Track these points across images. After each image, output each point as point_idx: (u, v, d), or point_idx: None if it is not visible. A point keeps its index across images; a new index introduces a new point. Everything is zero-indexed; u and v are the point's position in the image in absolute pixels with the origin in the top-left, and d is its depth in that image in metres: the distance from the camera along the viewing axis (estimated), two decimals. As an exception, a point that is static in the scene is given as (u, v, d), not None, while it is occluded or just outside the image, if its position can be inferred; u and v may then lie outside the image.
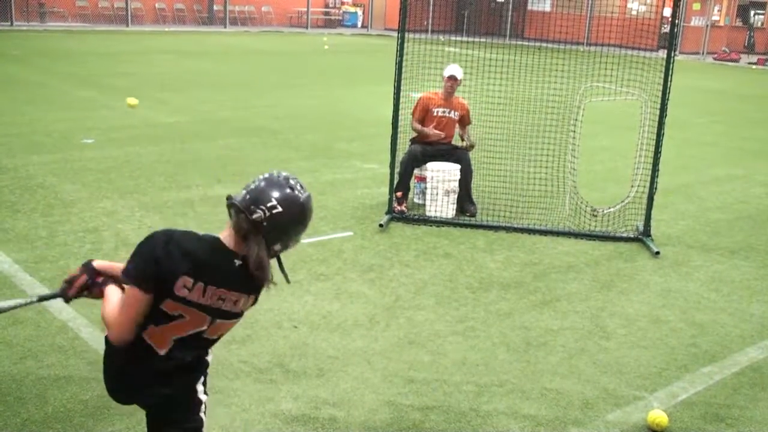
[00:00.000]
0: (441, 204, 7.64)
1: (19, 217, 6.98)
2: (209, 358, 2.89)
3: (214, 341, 2.83)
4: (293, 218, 2.67)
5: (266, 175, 2.71)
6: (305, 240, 6.75)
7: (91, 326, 4.89)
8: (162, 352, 2.70)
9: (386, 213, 7.53)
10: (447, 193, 7.66)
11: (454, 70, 7.87)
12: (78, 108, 12.76)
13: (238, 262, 2.68)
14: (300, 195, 2.68)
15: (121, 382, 2.80)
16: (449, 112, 7.95)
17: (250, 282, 2.72)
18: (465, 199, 7.84)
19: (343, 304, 5.55)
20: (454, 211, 7.76)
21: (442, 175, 7.63)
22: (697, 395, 4.60)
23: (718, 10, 35.50)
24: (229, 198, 2.71)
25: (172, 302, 2.64)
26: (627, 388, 4.63)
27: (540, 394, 4.50)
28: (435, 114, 7.93)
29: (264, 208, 2.62)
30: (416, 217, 7.63)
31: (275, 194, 2.63)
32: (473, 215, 7.76)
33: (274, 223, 2.63)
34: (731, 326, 5.60)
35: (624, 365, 4.91)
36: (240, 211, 2.64)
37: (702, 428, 4.28)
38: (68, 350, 4.60)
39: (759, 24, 37.07)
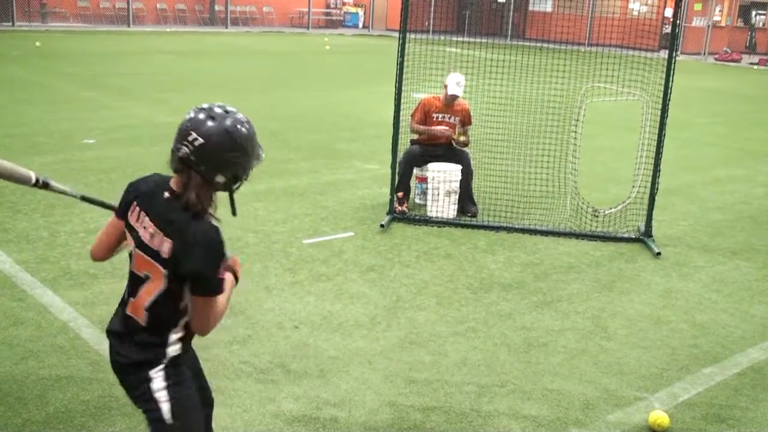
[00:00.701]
0: (442, 204, 7.64)
1: (20, 217, 6.98)
2: (169, 349, 2.74)
3: (140, 281, 2.72)
4: (220, 146, 2.58)
5: (189, 113, 2.65)
6: (306, 240, 6.82)
7: (91, 327, 4.89)
8: (141, 321, 2.76)
9: (387, 213, 7.53)
10: (448, 193, 7.66)
11: (457, 89, 7.78)
12: (79, 108, 12.77)
13: (166, 194, 2.67)
14: (222, 121, 2.59)
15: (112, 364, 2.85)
16: (449, 117, 7.94)
17: (169, 222, 2.63)
18: (466, 200, 7.84)
19: (344, 305, 5.55)
20: (456, 212, 7.76)
21: (443, 175, 7.63)
22: (698, 396, 4.59)
23: (720, 11, 35.50)
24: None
25: (127, 230, 2.78)
26: (628, 389, 4.62)
27: (541, 394, 4.49)
28: (435, 118, 7.92)
29: (186, 143, 2.58)
30: (417, 217, 7.63)
31: (197, 126, 2.59)
32: (474, 216, 7.76)
33: (201, 156, 2.58)
34: (732, 327, 5.60)
35: (625, 366, 4.90)
36: (171, 154, 2.65)
37: (703, 429, 4.27)
38: (69, 351, 4.60)
39: (760, 24, 37.07)
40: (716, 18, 35.01)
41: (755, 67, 30.81)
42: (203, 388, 3.02)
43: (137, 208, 2.73)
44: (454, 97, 7.82)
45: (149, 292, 2.69)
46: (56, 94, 14.12)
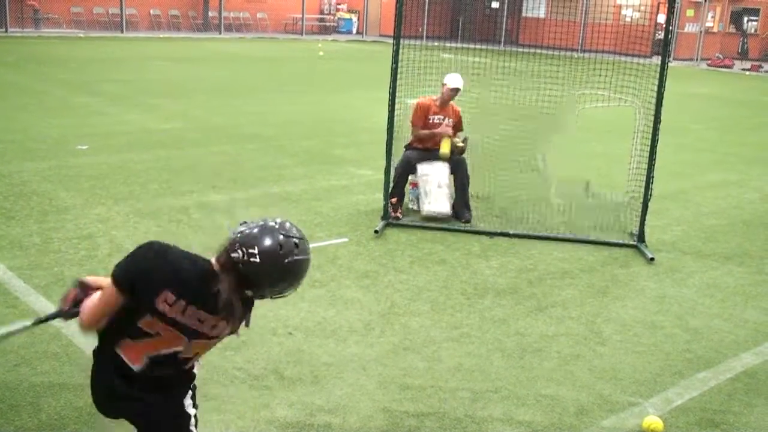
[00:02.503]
0: (435, 197, 7.60)
1: (13, 223, 6.96)
2: (196, 370, 2.86)
3: (189, 360, 2.80)
4: (268, 274, 2.59)
5: (267, 221, 2.63)
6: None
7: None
8: (136, 368, 2.70)
9: (381, 219, 7.53)
10: (440, 186, 7.64)
11: (459, 82, 7.82)
12: (72, 114, 12.75)
13: (217, 288, 2.64)
14: (286, 255, 2.58)
15: (102, 394, 2.81)
16: (444, 119, 7.95)
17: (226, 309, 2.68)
18: (461, 206, 7.84)
19: (338, 311, 5.55)
20: (450, 207, 7.74)
21: (431, 169, 7.64)
22: (692, 401, 4.60)
23: (712, 17, 35.65)
24: (241, 223, 2.68)
25: (150, 318, 2.63)
26: (622, 394, 4.63)
27: (535, 400, 4.49)
28: (431, 121, 7.93)
29: (244, 251, 2.57)
30: (412, 223, 7.63)
31: (262, 243, 2.57)
32: (468, 222, 7.76)
33: (248, 270, 2.58)
34: (726, 332, 5.61)
35: (619, 371, 4.91)
36: (227, 243, 2.63)
37: (697, 434, 4.28)
38: (62, 357, 4.58)
39: (752, 30, 37.22)
40: (709, 24, 35.16)
41: (747, 72, 30.93)
42: None
43: (183, 302, 2.64)
44: (457, 91, 7.81)
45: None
46: (49, 100, 14.10)
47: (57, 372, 4.42)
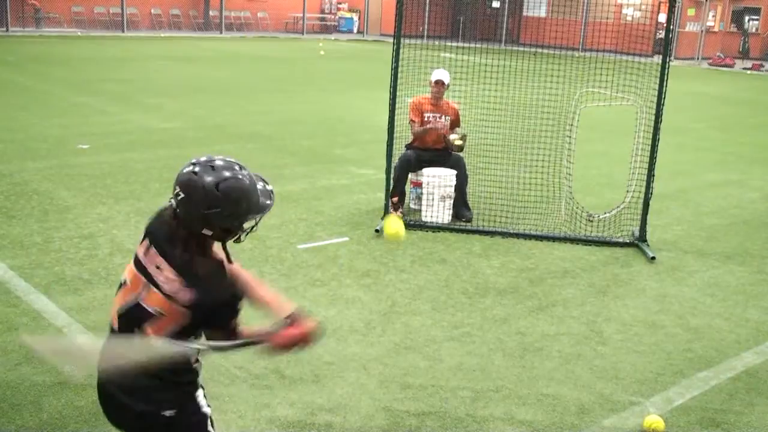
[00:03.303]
0: (437, 210, 7.64)
1: (14, 223, 6.96)
2: (198, 366, 2.80)
3: (147, 316, 2.63)
4: (199, 202, 2.54)
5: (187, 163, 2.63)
6: (301, 245, 6.81)
7: (86, 333, 4.88)
8: (115, 326, 2.70)
9: (382, 218, 7.53)
10: (443, 198, 7.66)
11: (441, 74, 7.89)
12: (73, 113, 12.75)
13: (167, 239, 2.65)
14: (201, 177, 2.55)
15: (104, 400, 2.81)
16: (440, 117, 7.95)
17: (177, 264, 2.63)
18: (461, 205, 7.84)
19: (339, 310, 5.55)
20: (450, 217, 7.76)
21: (437, 180, 7.64)
22: (693, 400, 4.60)
23: (713, 16, 35.63)
24: None
25: (131, 265, 2.68)
26: (623, 394, 4.63)
27: (536, 399, 4.49)
28: (426, 119, 7.94)
29: (173, 195, 2.59)
30: (412, 222, 7.63)
31: (180, 178, 2.59)
32: (469, 221, 7.76)
33: (182, 208, 2.57)
34: (727, 331, 5.61)
35: (620, 370, 4.91)
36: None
37: (698, 433, 4.28)
38: (63, 356, 4.58)
39: (753, 29, 37.19)
40: (710, 23, 35.14)
41: (748, 71, 30.91)
42: None
43: (147, 241, 2.69)
44: (440, 84, 7.82)
45: None
46: (50, 99, 14.10)
47: (58, 371, 4.41)
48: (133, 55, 23.09)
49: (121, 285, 2.71)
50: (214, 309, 2.63)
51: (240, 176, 2.61)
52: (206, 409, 2.83)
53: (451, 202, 7.76)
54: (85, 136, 10.84)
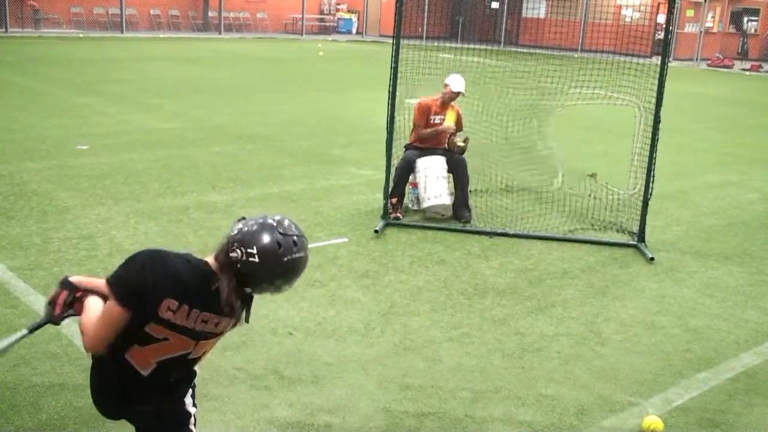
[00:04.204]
0: (434, 190, 7.61)
1: (13, 223, 6.96)
2: (197, 368, 2.86)
3: (197, 360, 2.81)
4: (268, 272, 2.58)
5: (265, 219, 2.62)
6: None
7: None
8: (144, 373, 2.68)
9: (381, 219, 7.53)
10: (437, 178, 7.65)
11: (461, 86, 7.80)
12: (73, 114, 12.75)
13: (216, 286, 2.63)
14: (285, 254, 2.57)
15: (106, 397, 2.79)
16: (444, 119, 7.95)
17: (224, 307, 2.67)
18: (461, 206, 7.84)
19: (338, 311, 5.55)
20: (450, 198, 7.75)
21: (429, 162, 7.66)
22: (692, 401, 4.60)
23: (712, 17, 35.66)
24: (239, 220, 2.68)
25: (156, 325, 2.60)
26: (622, 394, 4.63)
27: (535, 400, 4.50)
28: (432, 120, 7.93)
29: (243, 250, 2.56)
30: (412, 223, 7.63)
31: (260, 241, 2.56)
32: (468, 222, 7.76)
33: (247, 269, 2.57)
34: (726, 332, 5.61)
35: (619, 371, 4.91)
36: (225, 243, 2.62)
37: (697, 434, 4.28)
38: (62, 357, 4.58)
39: (752, 30, 37.23)
40: (708, 24, 35.17)
41: (747, 72, 30.94)
42: None
43: (186, 307, 2.62)
44: (459, 94, 7.82)
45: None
46: (49, 100, 14.09)
47: (57, 372, 4.42)
48: (133, 55, 23.09)
49: (154, 340, 2.66)
50: None
51: (305, 256, 2.67)
52: (191, 408, 2.84)
53: (447, 183, 7.75)
54: (84, 136, 10.83)
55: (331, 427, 4.09)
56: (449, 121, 7.86)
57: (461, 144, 7.91)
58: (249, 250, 2.55)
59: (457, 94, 7.80)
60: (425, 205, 7.74)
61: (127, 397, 2.75)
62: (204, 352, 2.81)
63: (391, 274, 6.33)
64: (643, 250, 7.19)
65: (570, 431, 4.21)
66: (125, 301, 2.56)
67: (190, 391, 2.86)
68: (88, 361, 2.86)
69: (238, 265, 2.57)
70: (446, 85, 7.84)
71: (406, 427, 4.14)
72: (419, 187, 7.79)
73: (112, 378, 2.73)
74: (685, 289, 6.42)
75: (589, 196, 7.77)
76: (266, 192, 8.44)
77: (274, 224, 2.60)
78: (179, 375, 2.78)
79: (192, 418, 2.85)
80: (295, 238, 2.61)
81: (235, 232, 2.60)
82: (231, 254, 2.58)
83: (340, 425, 4.11)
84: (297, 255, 2.60)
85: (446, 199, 7.72)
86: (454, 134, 7.96)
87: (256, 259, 2.55)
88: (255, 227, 2.59)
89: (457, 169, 7.85)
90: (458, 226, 7.63)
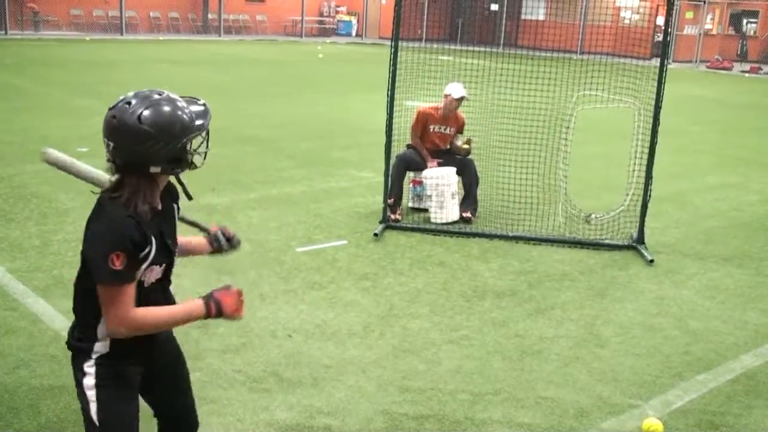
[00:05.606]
0: (449, 209, 7.70)
1: (13, 226, 6.96)
2: (97, 344, 2.65)
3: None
4: (129, 142, 2.49)
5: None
6: (300, 248, 6.81)
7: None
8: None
9: (381, 222, 7.53)
10: (452, 195, 7.73)
11: (462, 91, 7.82)
12: (72, 116, 12.75)
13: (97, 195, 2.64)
14: (121, 118, 2.49)
15: (148, 350, 2.80)
16: (446, 129, 7.96)
17: (98, 208, 2.66)
18: (469, 203, 7.86)
19: (338, 313, 5.54)
20: (458, 213, 7.80)
21: (443, 179, 7.66)
22: (691, 403, 4.60)
23: (711, 19, 35.69)
24: None
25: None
26: (622, 396, 4.62)
27: (535, 402, 4.49)
28: (432, 130, 7.93)
29: (106, 150, 2.55)
30: (411, 225, 7.63)
31: (104, 130, 2.53)
32: (468, 221, 7.77)
33: (119, 157, 2.52)
34: (725, 334, 5.61)
35: (618, 373, 4.91)
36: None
37: (697, 436, 4.28)
38: (62, 360, 4.58)
39: (751, 32, 37.26)
40: (708, 26, 35.20)
41: (746, 75, 30.96)
42: (185, 408, 2.96)
43: None
44: (462, 99, 7.82)
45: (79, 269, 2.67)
46: (49, 102, 14.10)
47: (56, 374, 4.41)
48: (132, 58, 23.09)
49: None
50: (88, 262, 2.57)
51: (159, 103, 2.55)
52: (88, 380, 2.67)
53: (458, 197, 7.82)
54: (84, 138, 10.83)
55: (331, 430, 4.08)
56: (449, 131, 7.91)
57: (465, 146, 7.92)
58: (106, 145, 2.55)
59: (461, 99, 7.80)
60: (436, 220, 7.75)
61: (157, 338, 2.77)
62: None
63: (390, 277, 6.33)
64: (642, 252, 7.19)
65: (569, 433, 4.21)
66: (127, 278, 2.58)
67: (90, 361, 2.70)
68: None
69: (116, 162, 2.57)
70: (446, 95, 7.83)
71: (406, 430, 4.14)
72: (432, 202, 7.78)
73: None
74: (684, 290, 6.42)
75: (588, 222, 7.79)
76: (266, 194, 8.45)
77: (109, 107, 2.59)
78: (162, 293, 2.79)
79: (86, 390, 2.71)
80: (125, 101, 2.57)
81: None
82: (107, 159, 2.57)
83: (339, 428, 4.11)
84: (134, 111, 2.54)
85: (457, 216, 7.80)
86: (454, 137, 7.98)
87: (111, 143, 2.52)
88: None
89: (465, 171, 7.88)
90: (458, 228, 7.63)
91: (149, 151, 2.50)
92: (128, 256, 2.50)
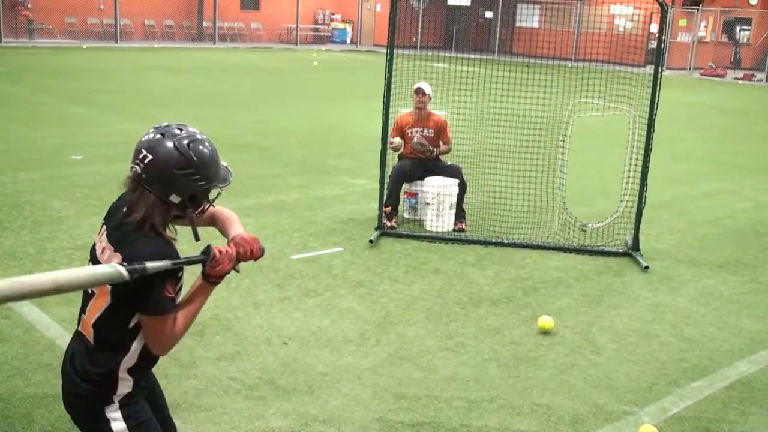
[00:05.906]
0: (446, 219, 7.71)
1: (7, 234, 6.94)
2: (120, 384, 2.61)
3: (88, 297, 2.64)
4: (170, 164, 2.51)
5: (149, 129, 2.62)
6: (295, 256, 6.80)
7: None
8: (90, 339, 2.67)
9: (376, 229, 7.53)
10: (451, 206, 7.74)
11: (424, 85, 7.85)
12: (67, 124, 12.74)
13: (124, 209, 2.61)
14: (172, 140, 2.52)
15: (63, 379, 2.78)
16: (423, 131, 7.93)
17: (123, 238, 2.57)
18: (459, 215, 7.86)
19: (333, 320, 5.54)
20: (453, 223, 7.81)
21: (443, 189, 7.68)
22: (687, 410, 4.60)
23: (705, 26, 35.82)
24: None
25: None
26: (617, 403, 4.62)
27: (530, 409, 4.49)
28: (409, 134, 7.91)
29: (138, 160, 2.54)
30: (406, 232, 7.64)
31: (146, 143, 2.54)
32: (462, 230, 7.77)
33: (150, 172, 2.53)
34: (721, 340, 5.62)
35: (614, 380, 4.91)
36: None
37: (692, 443, 4.28)
38: (56, 368, 4.54)
39: (745, 40, 37.40)
40: (701, 33, 35.31)
41: (740, 82, 31.07)
42: (165, 420, 2.90)
43: (103, 226, 2.70)
44: (420, 92, 7.80)
45: (96, 308, 2.59)
46: (43, 110, 14.08)
47: (50, 383, 4.39)
48: (127, 65, 23.09)
49: (90, 295, 2.62)
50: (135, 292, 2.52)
51: (206, 140, 2.62)
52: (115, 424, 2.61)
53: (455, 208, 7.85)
54: (78, 146, 10.82)
55: (326, 438, 4.07)
56: (427, 132, 7.89)
57: (419, 144, 7.78)
58: (141, 156, 2.55)
59: (418, 91, 7.76)
60: (431, 228, 7.76)
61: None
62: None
63: (386, 284, 6.33)
64: (637, 258, 7.20)
65: (565, 440, 4.21)
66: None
67: (115, 405, 2.65)
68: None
69: (143, 175, 2.55)
70: (413, 94, 7.88)
71: (402, 437, 4.13)
72: (428, 211, 7.78)
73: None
74: (679, 297, 6.43)
75: (583, 230, 7.82)
76: (261, 201, 8.44)
77: (156, 126, 2.62)
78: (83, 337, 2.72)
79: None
80: (177, 128, 2.59)
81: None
82: (131, 172, 2.60)
83: (335, 435, 4.10)
84: (188, 138, 2.58)
85: (452, 227, 7.82)
86: (410, 139, 7.91)
87: (150, 156, 2.53)
88: (140, 140, 2.62)
89: (454, 177, 7.86)
90: (453, 236, 7.64)
91: (182, 179, 2.55)
92: (177, 281, 2.59)
